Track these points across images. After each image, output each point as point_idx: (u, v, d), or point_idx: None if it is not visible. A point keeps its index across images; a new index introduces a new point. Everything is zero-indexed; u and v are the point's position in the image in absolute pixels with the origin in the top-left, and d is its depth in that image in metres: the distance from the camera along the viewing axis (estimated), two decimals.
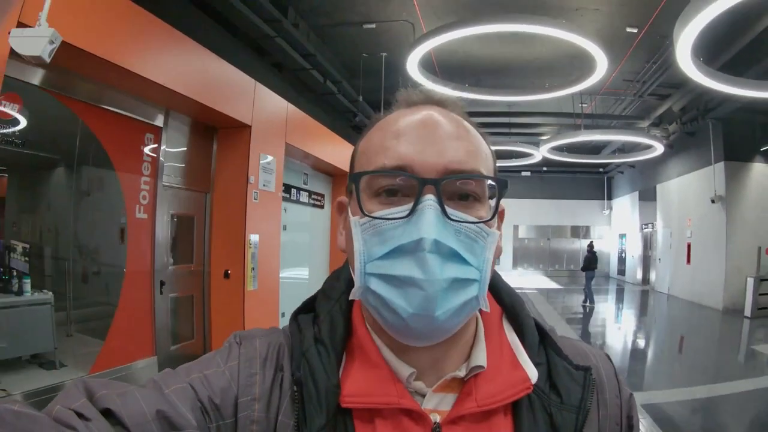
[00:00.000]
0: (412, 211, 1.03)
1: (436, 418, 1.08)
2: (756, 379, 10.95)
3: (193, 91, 8.38)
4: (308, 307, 1.27)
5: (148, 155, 8.70)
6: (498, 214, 1.14)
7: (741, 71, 14.58)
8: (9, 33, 5.41)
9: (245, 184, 10.08)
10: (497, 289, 1.29)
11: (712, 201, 21.55)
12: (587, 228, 41.82)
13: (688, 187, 24.87)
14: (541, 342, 1.24)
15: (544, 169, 35.01)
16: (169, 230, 9.31)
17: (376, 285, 1.03)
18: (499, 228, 1.16)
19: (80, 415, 0.89)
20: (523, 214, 39.08)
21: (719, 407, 9.27)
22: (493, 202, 1.13)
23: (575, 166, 33.41)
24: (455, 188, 1.07)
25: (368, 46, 15.73)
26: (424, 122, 1.12)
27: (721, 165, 21.46)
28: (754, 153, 21.47)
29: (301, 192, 14.97)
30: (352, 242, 1.09)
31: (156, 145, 8.83)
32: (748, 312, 19.12)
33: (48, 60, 5.40)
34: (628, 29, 14.40)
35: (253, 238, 10.29)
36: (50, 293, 7.69)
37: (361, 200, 1.09)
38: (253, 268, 10.36)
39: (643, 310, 23.96)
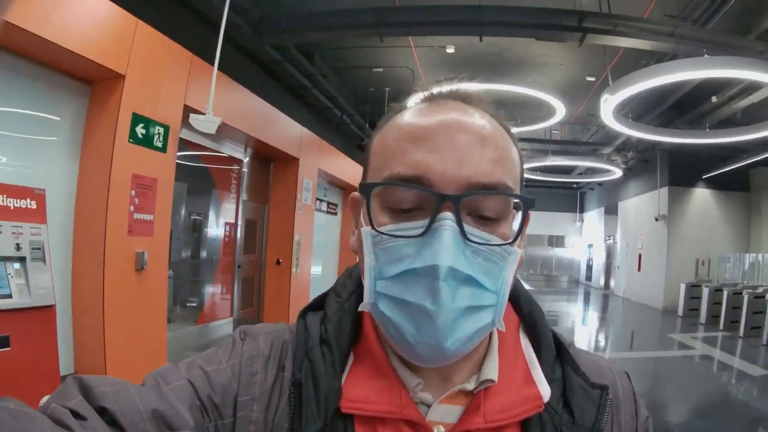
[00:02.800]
0: (427, 230, 0.92)
1: (441, 430, 1.01)
2: (661, 351, 15.77)
3: (260, 134, 11.48)
4: (318, 305, 1.19)
5: (234, 179, 12.18)
6: (524, 220, 1.05)
7: (674, 120, 18.24)
8: (189, 117, 8.21)
9: (293, 200, 13.72)
10: (516, 296, 1.17)
11: (656, 219, 24.97)
12: (562, 237, 44.12)
13: (640, 206, 28.02)
14: (557, 356, 1.13)
15: (523, 183, 36.03)
16: (244, 230, 12.83)
17: (385, 307, 0.96)
18: (523, 235, 1.06)
19: (76, 414, 0.86)
20: None
21: (635, 364, 13.26)
22: (518, 219, 1.03)
23: (551, 182, 34.35)
24: (476, 205, 0.96)
25: (376, 83, 18.09)
26: (445, 124, 0.98)
27: (665, 189, 24.72)
28: (697, 179, 24.38)
29: (322, 203, 17.88)
30: (363, 249, 1.01)
31: (238, 173, 12.29)
32: (680, 312, 22.25)
33: (214, 133, 8.70)
34: (588, 78, 16.83)
35: (296, 237, 13.87)
36: (171, 271, 9.33)
37: (371, 212, 1.00)
38: (296, 258, 13.96)
39: (601, 310, 27.42)
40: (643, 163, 26.18)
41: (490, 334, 1.09)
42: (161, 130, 7.87)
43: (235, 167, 12.29)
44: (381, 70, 16.75)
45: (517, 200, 1.01)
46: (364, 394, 1.00)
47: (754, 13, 11.73)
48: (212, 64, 8.49)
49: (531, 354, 1.11)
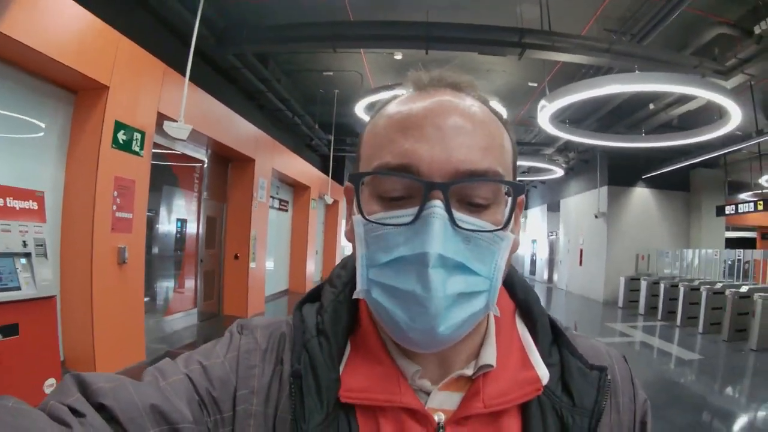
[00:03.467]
0: (416, 218, 0.92)
1: (441, 417, 1.00)
2: (601, 333, 16.64)
3: (220, 136, 12.10)
4: (314, 297, 1.19)
5: (197, 179, 12.80)
6: (518, 204, 1.04)
7: (614, 124, 19.20)
8: (164, 124, 8.67)
9: (250, 198, 14.50)
10: (511, 283, 1.19)
11: (596, 216, 26.02)
12: None
13: (581, 204, 28.96)
14: (555, 341, 1.14)
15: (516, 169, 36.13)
16: (205, 227, 13.45)
17: (378, 294, 0.95)
18: (517, 221, 1.07)
19: (74, 411, 0.86)
20: None
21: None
22: (509, 204, 1.01)
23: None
24: (465, 192, 0.96)
25: (325, 86, 18.37)
26: (433, 112, 0.98)
27: (605, 188, 25.75)
28: (637, 179, 25.41)
29: (274, 200, 18.49)
30: (355, 238, 1.01)
31: (200, 172, 12.90)
32: (620, 303, 23.31)
33: (185, 139, 9.24)
34: (530, 83, 17.31)
35: (253, 232, 14.63)
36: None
37: (361, 201, 1.00)
38: (253, 253, 14.74)
39: (545, 301, 27.36)
40: (583, 163, 27.08)
41: (487, 320, 1.11)
42: (139, 135, 8.51)
43: (197, 168, 12.90)
44: (331, 73, 17.14)
45: (508, 186, 1.00)
46: (363, 384, 1.01)
47: (691, 29, 12.38)
48: (181, 72, 9.18)
49: (528, 338, 1.12)
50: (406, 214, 0.93)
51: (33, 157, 7.47)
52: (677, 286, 18.86)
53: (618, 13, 12.48)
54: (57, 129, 7.81)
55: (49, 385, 6.26)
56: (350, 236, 1.06)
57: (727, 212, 22.70)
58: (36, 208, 6.32)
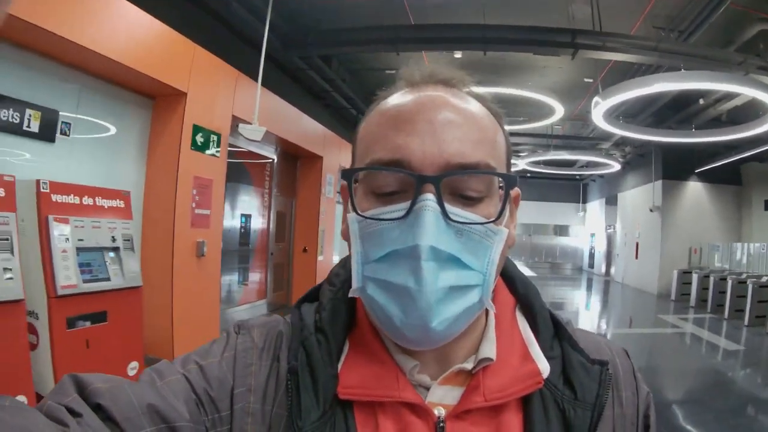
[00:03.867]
0: (408, 212, 0.92)
1: (441, 412, 0.99)
2: (652, 326, 17.32)
3: (289, 135, 12.40)
4: (313, 296, 1.19)
5: (267, 176, 13.20)
6: (513, 198, 1.06)
7: (668, 118, 19.14)
8: (238, 126, 9.11)
9: (318, 193, 14.86)
10: (511, 278, 1.18)
11: (651, 210, 25.99)
12: (566, 227, 44.26)
13: (637, 198, 28.85)
14: (555, 335, 1.13)
15: (528, 174, 35.96)
16: (275, 221, 13.86)
17: (372, 290, 0.95)
18: (513, 215, 1.09)
19: (71, 411, 0.85)
20: None
21: (630, 338, 14.50)
22: (504, 198, 1.01)
23: (555, 174, 35.28)
24: (457, 185, 0.95)
25: (388, 83, 18.58)
26: (424, 107, 0.98)
27: (659, 182, 25.63)
28: (690, 173, 25.21)
29: (338, 194, 18.71)
30: (350, 236, 1.01)
31: (270, 169, 13.30)
32: (673, 296, 23.24)
33: (260, 140, 9.55)
34: (585, 79, 17.29)
35: (321, 227, 14.97)
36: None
37: (356, 197, 1.01)
38: (321, 246, 15.09)
39: (602, 294, 28.30)
40: (639, 157, 27.12)
41: (486, 315, 1.10)
42: (215, 137, 8.90)
43: (268, 165, 13.28)
44: (394, 71, 16.89)
45: (501, 180, 1.00)
46: (361, 380, 1.00)
47: (735, 25, 12.31)
48: (252, 77, 9.61)
49: (528, 333, 1.10)
50: (399, 208, 0.94)
51: (116, 159, 7.85)
52: (725, 279, 18.76)
53: (666, 11, 12.46)
54: (136, 132, 8.19)
55: (132, 368, 6.60)
56: (346, 235, 1.05)
57: None
58: (123, 206, 6.67)
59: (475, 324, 1.03)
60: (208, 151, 8.76)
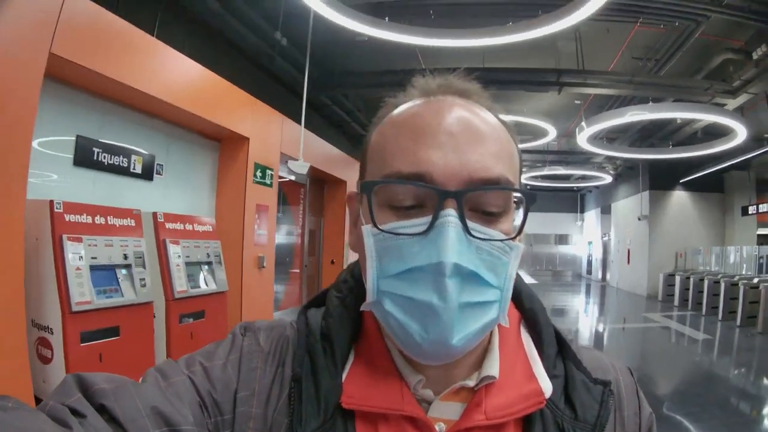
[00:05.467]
0: (430, 227, 0.89)
1: (442, 427, 0.97)
2: (636, 322, 19.10)
3: (318, 164, 13.43)
4: (319, 301, 1.15)
5: (301, 199, 14.60)
6: (526, 214, 1.00)
7: (652, 135, 20.73)
8: (288, 162, 10.47)
9: (343, 213, 16.30)
10: (517, 292, 1.12)
11: (639, 219, 27.42)
12: (566, 236, 45.60)
13: (628, 207, 30.30)
14: (559, 353, 1.09)
15: (528, 187, 35.64)
16: (308, 237, 15.25)
17: (390, 306, 0.91)
18: (522, 237, 1.00)
19: (74, 412, 0.83)
20: None
21: (621, 333, 16.60)
22: (520, 214, 1.00)
23: (554, 186, 36.71)
24: (478, 200, 0.93)
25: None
26: (445, 119, 0.94)
27: (647, 192, 27.08)
28: (674, 183, 26.70)
29: None
30: (364, 248, 0.96)
31: (303, 192, 14.68)
32: (660, 297, 24.91)
33: (305, 173, 10.97)
34: (576, 101, 18.41)
35: (346, 241, 16.02)
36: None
37: (373, 210, 0.94)
38: (347, 259, 16.35)
39: (598, 297, 29.84)
40: (629, 169, 28.49)
41: (492, 332, 1.06)
42: (270, 172, 10.40)
43: (302, 189, 14.59)
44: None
45: (518, 195, 0.98)
46: (365, 391, 0.97)
47: (704, 54, 13.68)
48: (290, 117, 11.14)
49: (532, 350, 1.07)
50: (420, 223, 0.90)
51: (195, 192, 9.34)
52: (703, 280, 20.24)
53: (644, 43, 13.62)
54: (208, 169, 9.67)
55: None
56: (357, 247, 1.02)
57: (750, 212, 23.57)
58: (134, 225, 6.83)
59: (482, 342, 1.01)
60: (264, 183, 10.23)
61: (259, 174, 10.06)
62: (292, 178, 13.18)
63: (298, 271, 14.88)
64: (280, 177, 11.87)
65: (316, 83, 13.11)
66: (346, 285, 1.11)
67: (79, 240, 5.91)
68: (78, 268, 5.81)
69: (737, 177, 25.68)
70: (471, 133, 0.94)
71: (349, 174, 16.63)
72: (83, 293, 5.81)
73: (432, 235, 0.88)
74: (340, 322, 1.05)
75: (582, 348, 1.16)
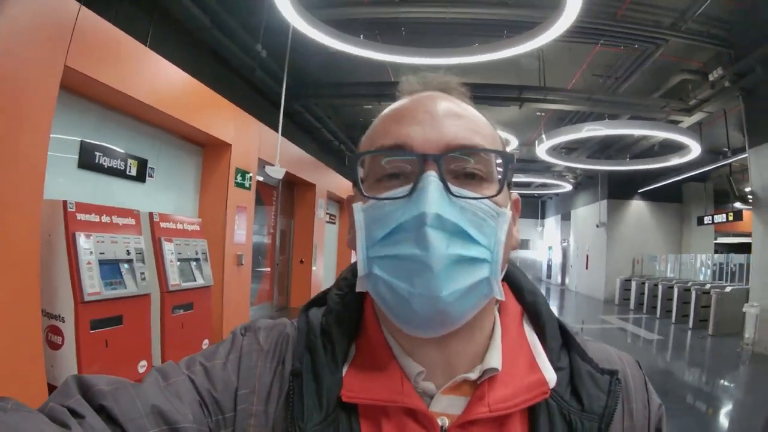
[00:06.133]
0: (413, 189, 0.91)
1: (444, 421, 0.96)
2: (593, 323, 19.68)
3: (291, 168, 14.00)
4: (321, 301, 1.17)
5: (274, 201, 15.20)
6: (513, 202, 1.06)
7: (610, 146, 21.53)
8: (265, 168, 10.97)
9: (312, 215, 17.04)
10: (519, 286, 1.15)
11: (597, 226, 28.27)
12: (527, 241, 46.43)
13: (587, 215, 31.08)
14: (564, 345, 1.09)
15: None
16: (279, 237, 15.89)
17: (378, 269, 0.93)
18: (515, 218, 1.06)
19: (74, 412, 0.85)
20: None
21: (579, 331, 16.82)
22: (502, 174, 1.00)
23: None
24: (459, 166, 0.96)
25: (365, 115, 19.69)
26: (423, 102, 1.01)
27: (605, 201, 27.97)
28: (633, 192, 27.52)
29: (327, 214, 20.02)
30: (356, 229, 0.98)
31: (276, 194, 15.27)
32: (616, 301, 25.85)
33: (281, 178, 11.55)
34: (537, 113, 19.07)
35: (315, 241, 17.16)
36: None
37: (360, 183, 1.01)
38: (314, 258, 17.20)
39: (558, 300, 30.04)
40: (588, 178, 29.19)
41: (494, 322, 1.06)
42: (248, 175, 11.04)
43: (274, 192, 15.16)
44: (370, 106, 18.15)
45: (499, 162, 1.00)
46: (365, 384, 0.98)
47: (662, 74, 14.60)
48: (268, 125, 11.85)
49: (536, 342, 1.07)
50: (404, 189, 0.93)
51: (180, 193, 9.94)
52: (657, 284, 21.15)
53: (605, 61, 14.40)
54: (192, 173, 10.28)
55: (142, 365, 7.16)
56: (352, 243, 1.02)
57: (705, 222, 24.22)
58: (134, 223, 7.35)
59: (480, 329, 1.03)
60: (243, 186, 10.88)
61: (239, 177, 10.70)
62: (262, 179, 13.71)
63: (269, 269, 15.41)
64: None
65: (290, 92, 13.40)
66: (346, 282, 1.13)
67: (89, 236, 6.42)
68: (89, 263, 6.30)
69: (695, 188, 26.62)
70: (449, 111, 1.00)
71: (318, 177, 17.21)
72: (93, 285, 6.30)
73: (414, 195, 0.91)
74: (340, 318, 1.07)
75: (588, 341, 1.16)
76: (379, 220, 0.94)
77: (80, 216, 6.43)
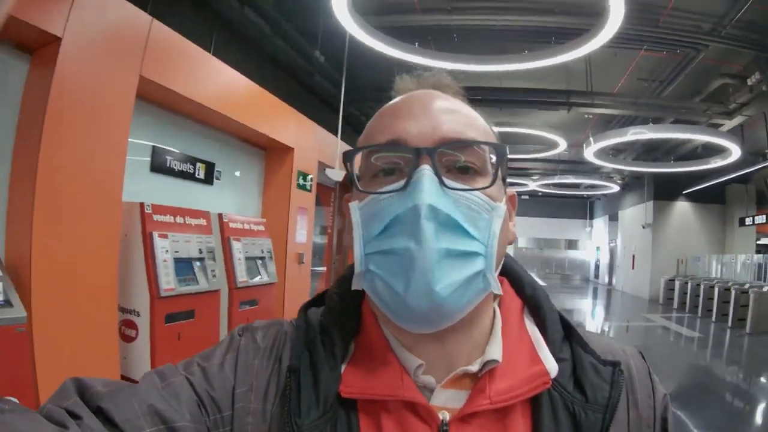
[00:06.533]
0: (407, 183, 0.92)
1: (445, 415, 0.96)
2: (637, 321, 20.15)
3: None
4: (320, 300, 1.18)
5: (331, 200, 15.42)
6: (509, 199, 1.07)
7: (658, 148, 21.46)
8: (326, 170, 11.25)
9: None
10: (519, 280, 1.15)
11: (643, 227, 28.30)
12: (575, 241, 46.16)
13: (634, 215, 31.10)
14: (566, 337, 1.08)
15: (540, 193, 37.79)
16: (336, 237, 16.02)
17: (374, 265, 0.94)
18: (512, 215, 1.11)
19: (71, 414, 0.85)
20: (523, 229, 42.45)
21: (623, 330, 16.68)
22: (498, 182, 1.01)
23: (565, 194, 37.41)
24: (452, 159, 0.97)
25: None
26: (417, 99, 1.04)
27: (651, 202, 28.01)
28: (678, 194, 27.58)
29: None
30: (353, 228, 0.99)
31: (333, 196, 15.44)
32: (661, 300, 25.96)
33: (341, 180, 11.67)
34: (586, 116, 18.35)
35: None
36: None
37: (356, 180, 1.02)
38: None
39: (604, 300, 30.64)
40: (635, 179, 29.10)
41: (494, 315, 1.06)
42: (309, 178, 11.22)
43: (332, 192, 15.38)
44: None
45: (493, 157, 1.00)
46: (364, 379, 0.98)
47: (703, 78, 14.52)
48: (327, 129, 12.08)
49: (537, 335, 1.06)
50: (398, 183, 0.94)
51: (245, 195, 10.21)
52: (699, 284, 21.33)
53: (649, 66, 14.40)
54: (255, 175, 10.53)
55: None
56: (350, 241, 1.03)
57: (747, 223, 24.31)
58: (205, 224, 7.67)
59: (480, 322, 1.03)
60: (305, 188, 11.07)
61: (300, 180, 10.89)
62: (326, 181, 13.92)
63: (325, 269, 15.63)
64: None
65: (346, 95, 13.57)
66: (345, 282, 1.11)
67: (165, 236, 6.67)
68: (165, 260, 6.56)
69: (737, 189, 26.44)
70: (444, 107, 1.01)
71: None
72: (168, 281, 6.57)
73: (409, 188, 0.91)
74: (339, 316, 1.07)
75: (590, 333, 1.14)
76: (375, 216, 0.95)
77: (156, 217, 6.68)
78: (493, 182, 0.98)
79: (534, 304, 1.11)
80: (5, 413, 0.77)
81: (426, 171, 0.91)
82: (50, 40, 5.13)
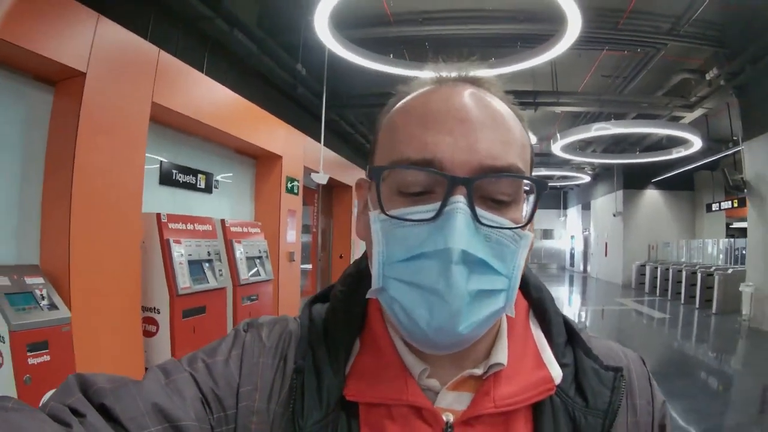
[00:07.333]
0: (439, 213, 0.85)
1: (449, 417, 0.94)
2: (610, 305, 20.99)
3: (330, 172, 13.90)
4: (324, 296, 1.14)
5: (315, 201, 16.19)
6: (536, 203, 0.95)
7: (624, 140, 22.42)
8: (311, 175, 11.95)
9: (350, 214, 17.92)
10: (525, 282, 1.09)
11: (614, 215, 29.27)
12: (551, 230, 47.37)
13: (605, 205, 32.31)
14: (569, 341, 1.07)
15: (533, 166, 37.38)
16: (320, 235, 16.89)
17: (395, 291, 0.88)
18: (532, 226, 0.96)
19: (75, 411, 0.82)
20: None
21: (598, 313, 18.16)
22: (529, 202, 0.95)
23: None
24: (487, 188, 0.88)
25: None
26: (455, 108, 0.90)
27: (621, 192, 29.02)
28: (647, 183, 28.54)
29: None
30: (371, 234, 0.92)
31: (317, 197, 16.24)
32: (633, 285, 27.16)
33: (325, 183, 12.34)
34: (556, 111, 18.29)
35: (353, 238, 18.00)
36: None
37: (381, 196, 0.91)
38: (353, 253, 17.97)
39: (580, 286, 31.83)
40: (605, 170, 30.14)
41: (499, 320, 1.02)
42: (296, 182, 12.07)
43: (315, 194, 16.09)
44: None
45: (528, 184, 0.93)
46: (368, 382, 0.96)
47: (665, 73, 15.49)
48: (311, 136, 12.81)
49: (541, 338, 1.05)
50: (428, 209, 0.87)
51: (239, 200, 11.02)
52: (668, 269, 22.26)
53: (612, 63, 15.30)
54: (247, 182, 11.34)
55: None
56: (363, 233, 0.99)
57: (713, 209, 24.91)
58: (210, 229, 8.40)
59: (487, 330, 0.95)
60: (292, 192, 11.91)
61: (289, 184, 11.72)
62: (308, 183, 14.49)
63: (311, 266, 16.29)
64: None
65: (329, 104, 14.17)
66: (351, 279, 1.09)
67: (179, 242, 7.43)
68: (181, 263, 7.33)
69: (706, 176, 27.26)
70: (481, 119, 0.90)
71: (354, 179, 16.98)
72: (184, 281, 7.32)
73: (440, 221, 0.85)
74: (343, 315, 1.04)
75: (592, 337, 1.13)
76: (399, 240, 0.89)
77: (171, 225, 7.52)
78: (530, 220, 0.93)
79: (540, 307, 1.10)
80: (8, 411, 0.77)
81: (460, 205, 0.85)
82: (74, 74, 5.89)
